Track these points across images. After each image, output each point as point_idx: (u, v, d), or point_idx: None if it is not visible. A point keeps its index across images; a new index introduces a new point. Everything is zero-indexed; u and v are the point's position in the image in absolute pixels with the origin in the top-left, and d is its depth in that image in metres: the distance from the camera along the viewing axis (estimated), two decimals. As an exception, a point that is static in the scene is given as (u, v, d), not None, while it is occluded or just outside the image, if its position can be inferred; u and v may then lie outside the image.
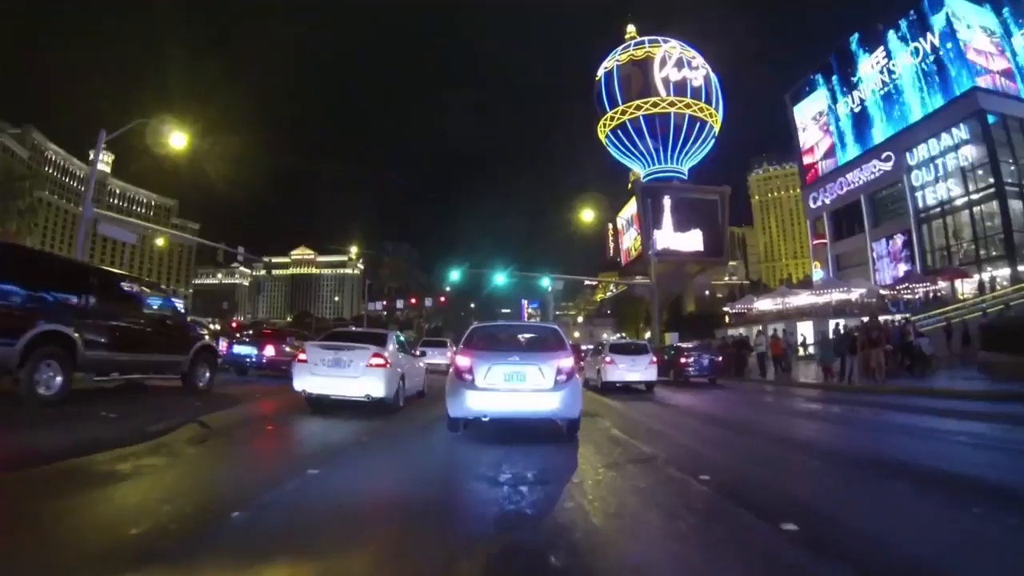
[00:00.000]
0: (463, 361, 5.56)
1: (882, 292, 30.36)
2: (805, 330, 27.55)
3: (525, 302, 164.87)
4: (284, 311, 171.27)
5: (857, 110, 39.02)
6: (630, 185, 60.43)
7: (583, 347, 29.37)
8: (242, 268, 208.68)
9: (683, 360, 16.25)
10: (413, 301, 41.06)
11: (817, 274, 41.37)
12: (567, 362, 5.54)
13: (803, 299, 32.27)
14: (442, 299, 41.56)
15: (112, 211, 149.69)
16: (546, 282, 24.64)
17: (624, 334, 74.96)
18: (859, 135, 39.06)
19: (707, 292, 77.77)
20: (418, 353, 12.57)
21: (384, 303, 43.23)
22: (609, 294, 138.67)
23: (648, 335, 69.92)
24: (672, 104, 54.04)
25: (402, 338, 9.72)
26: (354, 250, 39.08)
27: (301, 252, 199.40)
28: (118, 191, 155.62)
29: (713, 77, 57.60)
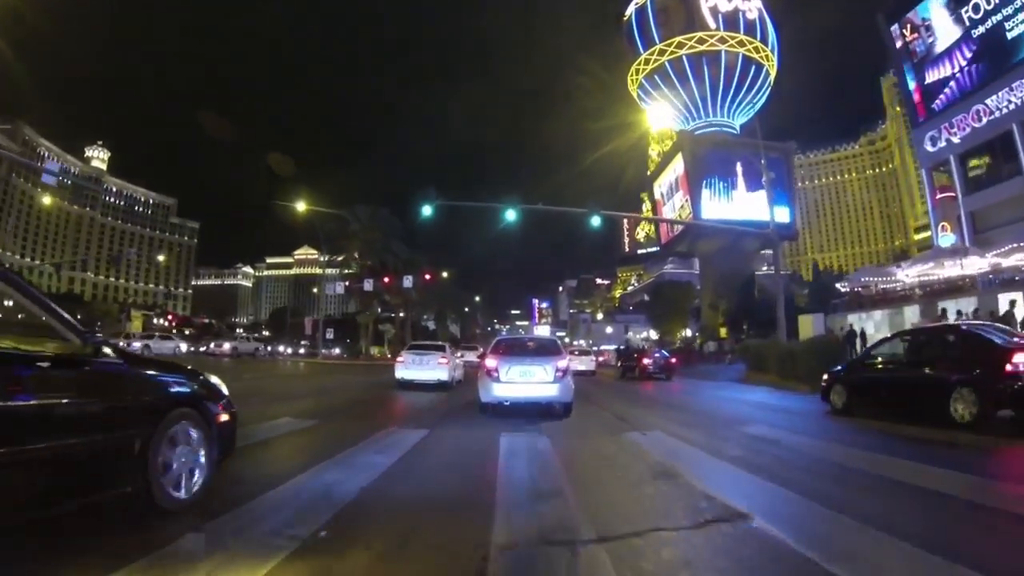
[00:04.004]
0: (491, 363, 8.17)
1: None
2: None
3: (536, 300, 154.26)
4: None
5: (994, 11, 28.05)
6: (669, 143, 49.71)
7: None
8: (245, 269, 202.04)
9: (645, 361, 21.03)
10: (386, 280, 30.94)
11: (946, 239, 30.28)
12: (563, 363, 8.20)
13: (979, 263, 21.64)
14: (427, 276, 31.46)
15: (109, 209, 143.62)
16: (596, 221, 16.39)
17: (654, 331, 66.67)
18: (1001, 44, 28.07)
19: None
20: (459, 354, 18.81)
21: (347, 284, 33.14)
22: (631, 288, 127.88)
23: (689, 332, 58.88)
24: (723, 40, 43.19)
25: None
26: (301, 206, 28.22)
27: (304, 252, 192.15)
28: (115, 189, 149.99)
29: (766, 15, 46.86)
